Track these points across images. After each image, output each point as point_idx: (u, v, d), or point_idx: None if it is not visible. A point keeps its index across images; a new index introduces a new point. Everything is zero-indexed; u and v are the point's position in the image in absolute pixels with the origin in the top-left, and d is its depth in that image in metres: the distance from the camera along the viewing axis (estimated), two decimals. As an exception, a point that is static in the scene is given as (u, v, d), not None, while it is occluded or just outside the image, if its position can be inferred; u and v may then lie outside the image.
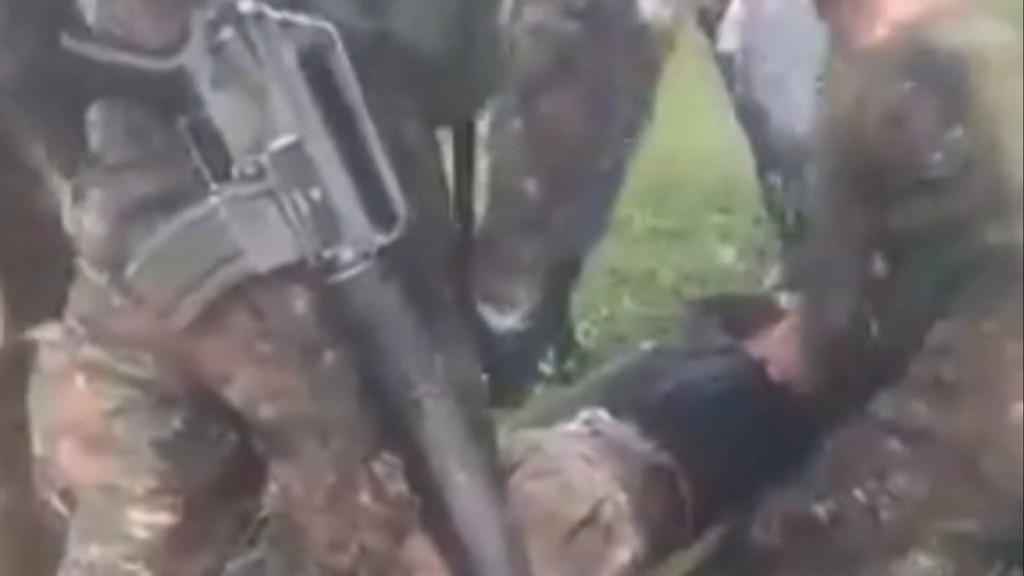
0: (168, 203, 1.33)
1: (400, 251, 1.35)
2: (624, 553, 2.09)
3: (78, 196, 1.43)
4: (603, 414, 2.32)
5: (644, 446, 2.25)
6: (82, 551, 1.53)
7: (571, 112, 1.65)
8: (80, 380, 1.48)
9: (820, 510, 2.03)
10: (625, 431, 2.29)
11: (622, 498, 2.11)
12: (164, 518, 1.50)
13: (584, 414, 2.33)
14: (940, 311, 1.98)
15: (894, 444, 2.00)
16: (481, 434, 1.47)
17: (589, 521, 2.06)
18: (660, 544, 2.15)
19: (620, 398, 2.34)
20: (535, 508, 2.05)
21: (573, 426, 2.32)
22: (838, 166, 2.11)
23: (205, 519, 1.54)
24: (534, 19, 1.62)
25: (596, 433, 2.29)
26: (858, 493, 2.01)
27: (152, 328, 1.38)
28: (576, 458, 2.16)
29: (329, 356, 1.38)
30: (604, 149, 1.74)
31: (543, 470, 2.13)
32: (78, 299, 1.48)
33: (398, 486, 1.42)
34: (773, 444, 2.23)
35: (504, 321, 1.75)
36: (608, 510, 2.08)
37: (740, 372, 2.38)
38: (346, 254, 1.32)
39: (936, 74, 1.94)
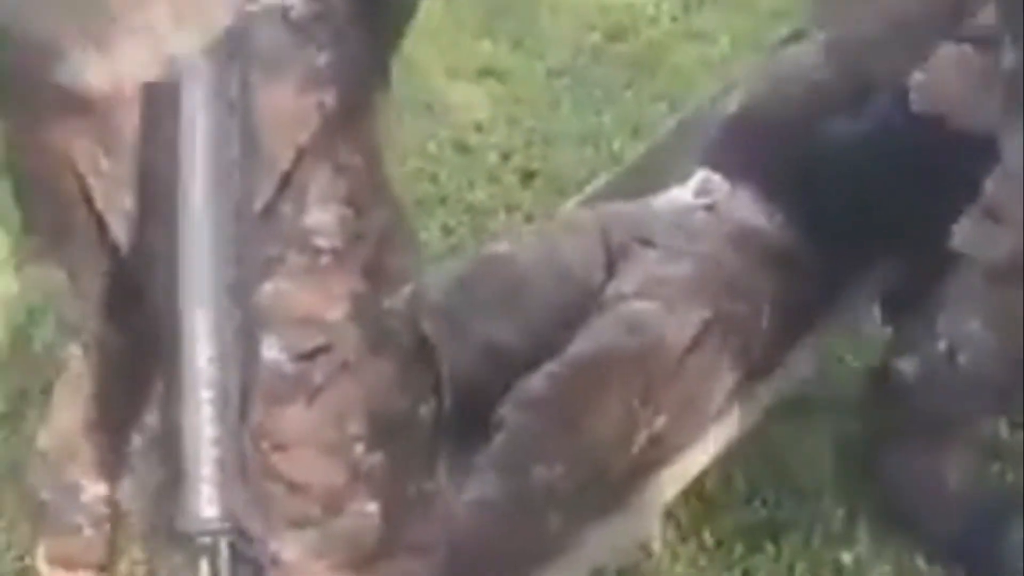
0: None
1: None
2: (735, 373, 1.94)
3: None
4: (718, 179, 2.05)
5: (765, 223, 2.00)
6: None
7: None
8: None
9: (905, 366, 1.82)
10: (743, 202, 2.02)
11: (734, 309, 1.92)
12: None
13: (698, 177, 2.07)
14: None
15: (974, 278, 1.75)
16: None
17: (697, 345, 1.90)
18: (778, 345, 1.99)
19: (740, 156, 2.04)
20: (643, 331, 1.89)
21: (685, 196, 2.06)
22: None
23: None
24: None
25: (710, 208, 2.03)
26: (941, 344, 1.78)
27: None
28: (686, 265, 1.94)
29: None
30: None
31: (648, 291, 1.93)
32: None
33: None
34: (917, 202, 1.94)
35: None
36: (716, 332, 1.90)
37: (882, 109, 2.02)
38: None
39: None
